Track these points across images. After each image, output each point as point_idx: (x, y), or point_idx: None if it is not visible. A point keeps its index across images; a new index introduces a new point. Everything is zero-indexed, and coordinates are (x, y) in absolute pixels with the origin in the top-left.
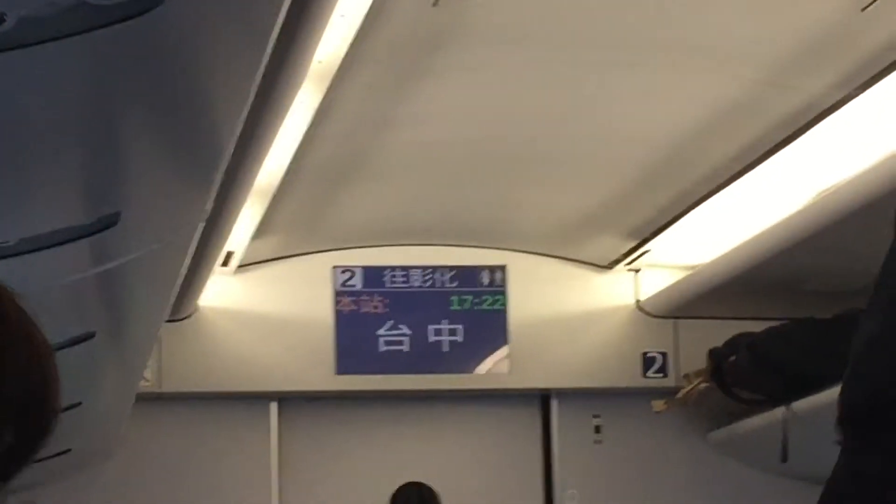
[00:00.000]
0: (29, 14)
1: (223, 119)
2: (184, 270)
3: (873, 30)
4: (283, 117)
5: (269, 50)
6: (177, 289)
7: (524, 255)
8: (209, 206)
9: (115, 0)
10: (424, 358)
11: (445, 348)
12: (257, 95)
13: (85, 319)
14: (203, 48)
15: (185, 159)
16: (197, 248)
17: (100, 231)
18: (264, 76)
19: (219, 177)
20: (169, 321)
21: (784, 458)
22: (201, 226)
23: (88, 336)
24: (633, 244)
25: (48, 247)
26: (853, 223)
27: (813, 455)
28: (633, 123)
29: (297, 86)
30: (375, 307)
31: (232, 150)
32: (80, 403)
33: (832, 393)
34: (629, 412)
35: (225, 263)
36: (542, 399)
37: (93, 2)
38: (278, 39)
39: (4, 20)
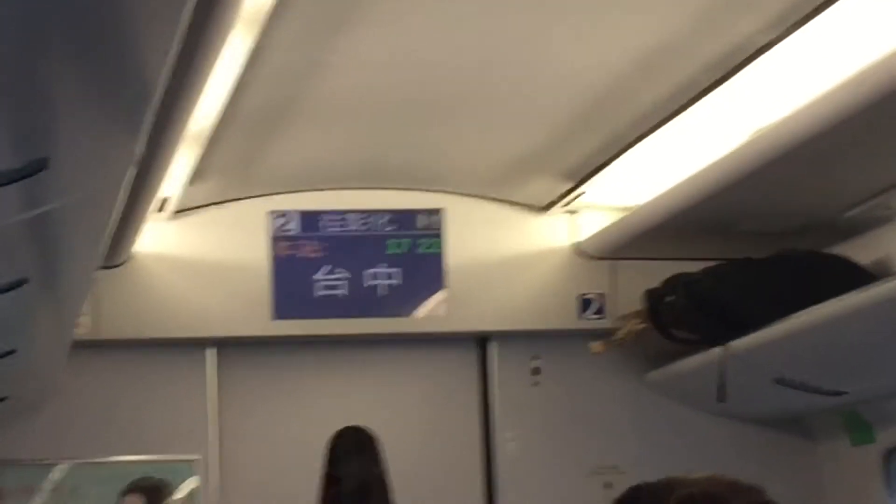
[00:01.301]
0: None
1: (150, 61)
2: (118, 216)
3: None
4: (213, 61)
5: None
6: (111, 234)
7: (461, 197)
8: (140, 150)
9: None
10: (361, 302)
11: (382, 292)
12: (188, 39)
13: (17, 266)
14: None
15: (113, 102)
16: (131, 193)
17: (29, 176)
18: (195, 20)
19: (148, 120)
20: (105, 267)
21: (721, 398)
22: (133, 170)
23: (21, 282)
24: (569, 186)
25: None
26: (787, 163)
27: (749, 394)
28: (566, 65)
29: (227, 29)
30: (312, 252)
31: (161, 94)
32: (14, 351)
33: (768, 332)
34: (567, 354)
35: (160, 209)
36: (480, 342)
37: None
38: None
39: None
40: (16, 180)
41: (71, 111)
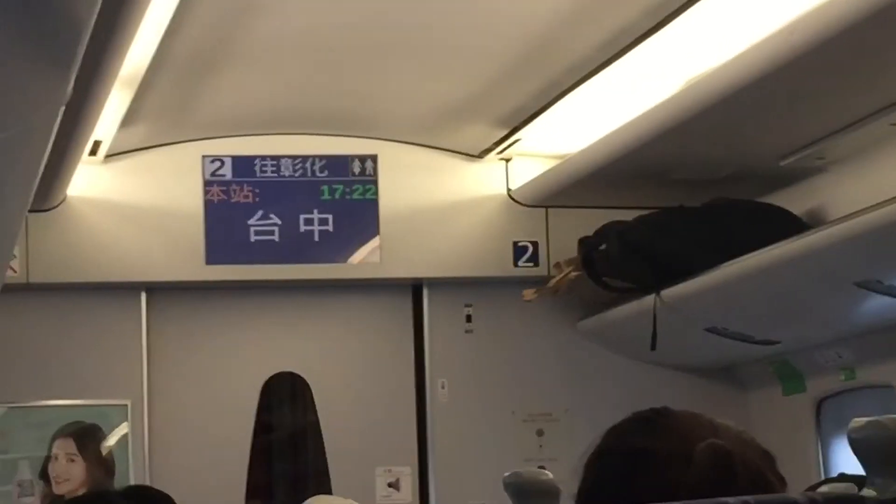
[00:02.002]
0: None
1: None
2: (49, 158)
3: None
4: (146, 1)
5: None
6: (41, 177)
7: (395, 144)
8: (70, 89)
9: None
10: (295, 248)
11: (316, 238)
12: None
13: None
14: None
15: (43, 40)
16: (62, 136)
17: None
18: None
19: (78, 59)
20: (37, 211)
21: (653, 346)
22: (62, 111)
23: None
24: (503, 133)
25: None
26: (721, 111)
27: (681, 343)
28: (502, 10)
29: None
30: (245, 197)
31: (90, 32)
32: None
33: (701, 281)
34: (500, 301)
35: (93, 153)
36: (414, 289)
37: None
38: None
39: None
40: None
41: None
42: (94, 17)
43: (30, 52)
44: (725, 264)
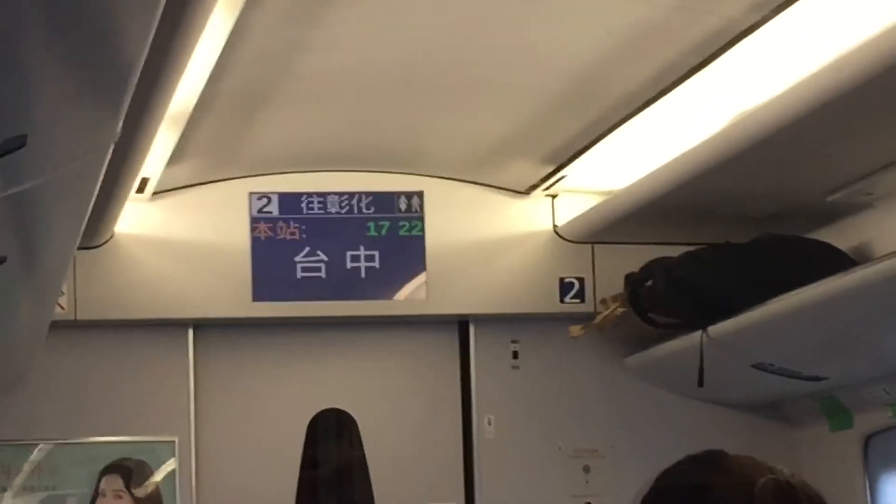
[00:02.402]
0: None
1: (130, 38)
2: (97, 196)
3: None
4: (195, 41)
5: None
6: (90, 214)
7: (441, 180)
8: (119, 128)
9: None
10: (342, 284)
11: (363, 275)
12: (169, 17)
13: None
14: None
15: (94, 79)
16: (111, 173)
17: (6, 154)
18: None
19: (128, 98)
20: (85, 248)
21: (700, 383)
22: (113, 149)
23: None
24: (549, 169)
25: None
26: (768, 147)
27: (728, 379)
28: (548, 47)
29: (208, 8)
30: (292, 233)
31: (140, 71)
32: None
33: (747, 317)
34: (547, 337)
35: (140, 190)
36: (460, 325)
37: None
38: None
39: None
40: None
41: (50, 87)
42: (145, 56)
43: (80, 92)
44: (772, 300)
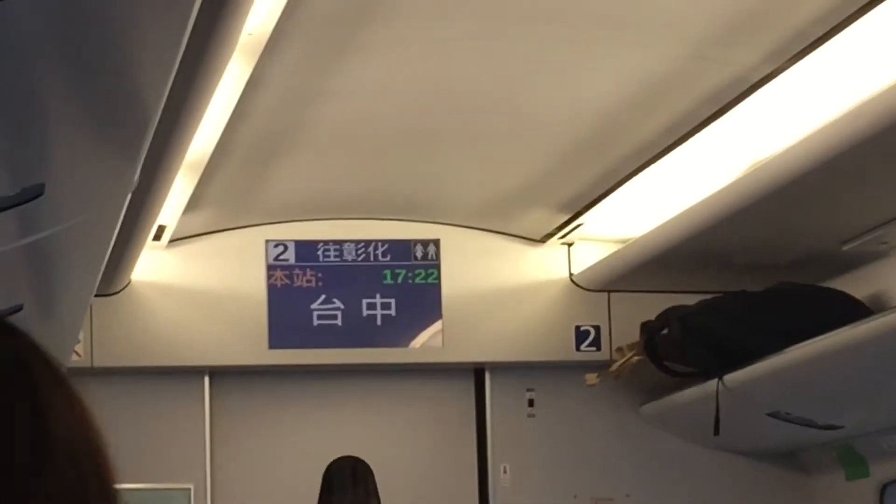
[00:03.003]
0: None
1: (148, 88)
2: (114, 244)
3: (803, 3)
4: (212, 89)
5: (192, 18)
6: (106, 262)
7: (458, 228)
8: (137, 177)
9: None
10: (358, 332)
11: (379, 322)
12: (187, 67)
13: (12, 292)
14: (126, 15)
15: (111, 130)
16: (128, 221)
17: (25, 202)
18: (194, 48)
19: (145, 147)
20: (101, 295)
21: (716, 431)
22: (130, 198)
23: (16, 309)
24: (565, 218)
25: None
26: (784, 196)
27: (744, 427)
28: (562, 97)
29: (226, 58)
30: (308, 281)
31: (158, 120)
32: None
33: (764, 366)
34: (562, 386)
35: (157, 237)
36: (476, 373)
37: None
38: (208, 10)
39: None
40: (11, 206)
41: (69, 138)
42: (162, 106)
43: (98, 142)
44: (788, 349)
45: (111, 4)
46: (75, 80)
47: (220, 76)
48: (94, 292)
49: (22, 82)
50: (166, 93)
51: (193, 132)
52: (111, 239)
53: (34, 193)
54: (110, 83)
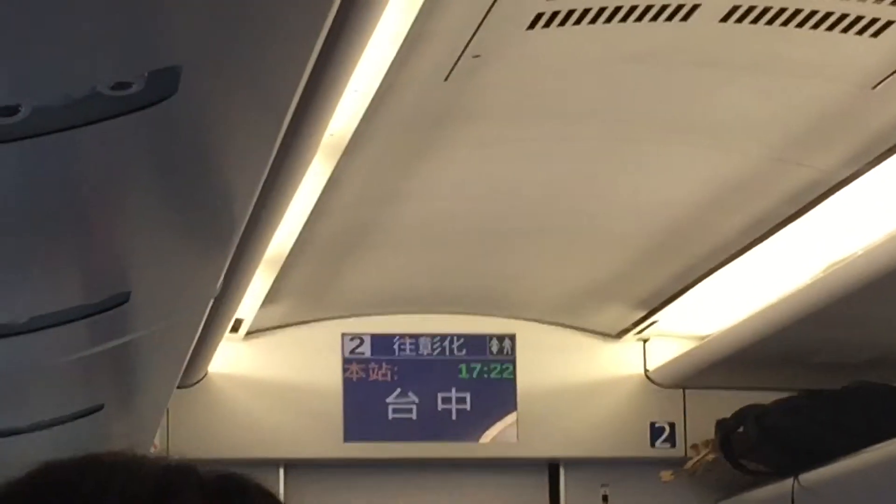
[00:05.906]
0: (43, 105)
1: (236, 199)
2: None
3: (884, 107)
4: (294, 190)
5: (283, 130)
6: (186, 360)
7: (533, 324)
8: (220, 284)
9: (130, 91)
10: (433, 426)
11: (454, 416)
12: (272, 169)
13: (94, 392)
14: (217, 132)
15: (198, 240)
16: (207, 318)
17: (109, 309)
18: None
19: (230, 255)
20: (178, 387)
21: None
22: (212, 302)
23: (97, 408)
24: (641, 314)
25: (58, 324)
26: (861, 297)
27: None
28: (641, 197)
29: (309, 159)
30: (384, 375)
31: (244, 227)
32: None
33: (840, 465)
34: (637, 482)
35: (234, 330)
36: (551, 468)
37: (107, 93)
38: (295, 112)
39: (19, 111)
40: (96, 314)
41: (155, 247)
42: (249, 214)
43: (183, 250)
44: (865, 450)
45: (205, 119)
46: (164, 194)
47: (302, 176)
48: (174, 390)
49: (111, 197)
50: (254, 201)
51: (274, 231)
52: (192, 341)
53: (119, 301)
54: (199, 195)
